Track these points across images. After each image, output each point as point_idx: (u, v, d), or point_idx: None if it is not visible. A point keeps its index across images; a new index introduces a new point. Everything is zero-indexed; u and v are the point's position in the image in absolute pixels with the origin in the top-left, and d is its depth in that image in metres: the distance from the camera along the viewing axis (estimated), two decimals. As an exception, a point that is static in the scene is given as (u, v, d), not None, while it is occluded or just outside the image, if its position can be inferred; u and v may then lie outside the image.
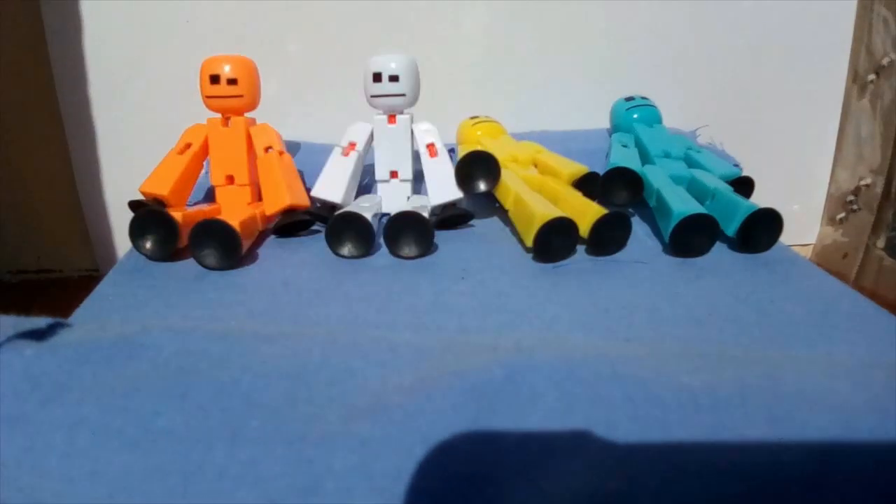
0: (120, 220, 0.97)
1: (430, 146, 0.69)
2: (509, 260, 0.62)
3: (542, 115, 0.98)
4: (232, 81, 0.67)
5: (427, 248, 0.62)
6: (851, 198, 1.13)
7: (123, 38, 0.90)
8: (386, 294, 0.55)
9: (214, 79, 0.67)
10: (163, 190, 0.66)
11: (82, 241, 0.97)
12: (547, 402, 0.27)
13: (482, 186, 0.69)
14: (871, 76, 1.06)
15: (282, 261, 0.61)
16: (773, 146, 1.12)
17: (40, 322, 0.32)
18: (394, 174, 0.71)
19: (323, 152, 0.74)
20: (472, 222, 0.72)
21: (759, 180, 1.08)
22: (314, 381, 0.29)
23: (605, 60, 1.00)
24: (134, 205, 0.68)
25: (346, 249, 0.63)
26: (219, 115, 0.70)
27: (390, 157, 0.71)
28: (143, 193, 0.67)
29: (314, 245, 0.66)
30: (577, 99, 1.00)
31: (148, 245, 0.60)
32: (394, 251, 0.62)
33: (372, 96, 0.69)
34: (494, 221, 0.72)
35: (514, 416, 0.27)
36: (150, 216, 0.60)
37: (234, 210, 0.66)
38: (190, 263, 0.60)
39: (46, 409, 0.26)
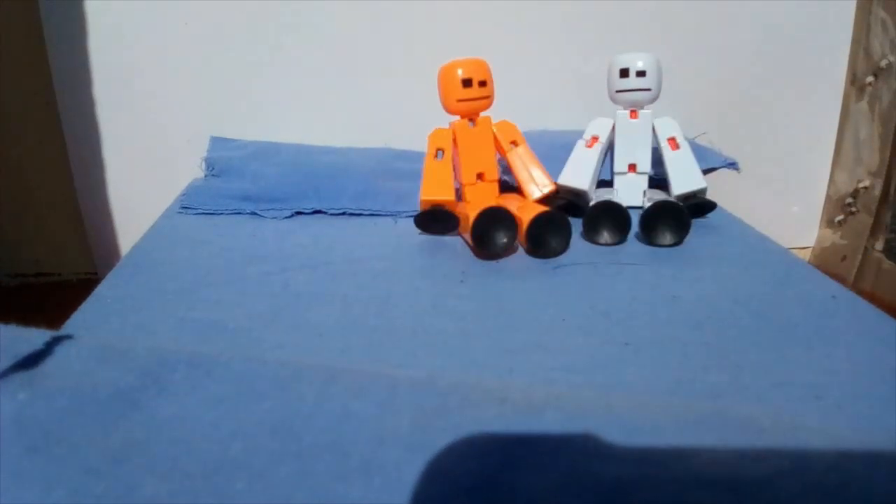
0: (119, 223, 0.97)
1: (671, 140, 0.72)
2: (508, 263, 0.62)
3: (541, 114, 0.99)
4: (482, 84, 0.68)
5: (684, 236, 0.65)
6: (850, 200, 1.13)
7: (122, 40, 0.90)
8: (385, 297, 0.54)
9: (467, 83, 0.68)
10: (448, 195, 0.68)
11: (81, 245, 0.97)
12: (554, 476, 0.25)
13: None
14: (870, 78, 1.06)
15: (281, 263, 0.61)
16: (772, 148, 1.12)
17: (38, 339, 0.31)
18: (632, 167, 0.74)
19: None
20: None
21: (757, 182, 1.09)
22: (305, 432, 0.28)
23: (603, 62, 1.00)
24: (423, 217, 0.69)
25: (604, 237, 0.66)
26: (458, 118, 0.70)
27: (630, 151, 0.74)
28: (428, 202, 0.68)
29: (315, 246, 0.66)
30: (576, 98, 1.00)
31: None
32: (651, 240, 0.65)
33: (617, 91, 0.73)
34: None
35: (518, 488, 0.25)
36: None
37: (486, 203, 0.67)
38: (191, 265, 0.60)
39: (28, 460, 0.25)
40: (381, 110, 0.96)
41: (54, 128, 0.92)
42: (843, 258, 1.14)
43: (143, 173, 0.94)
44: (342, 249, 0.65)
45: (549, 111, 1.00)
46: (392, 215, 0.74)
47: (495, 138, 0.71)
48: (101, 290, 0.55)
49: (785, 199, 1.16)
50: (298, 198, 0.74)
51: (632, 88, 0.72)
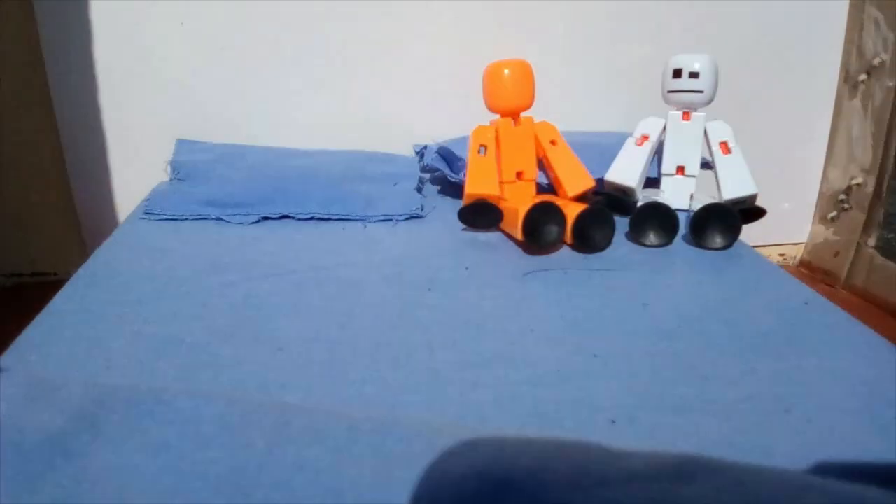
0: (115, 222, 0.96)
1: (723, 144, 0.73)
2: (477, 270, 0.61)
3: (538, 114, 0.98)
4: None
5: (734, 239, 0.65)
6: (843, 196, 1.13)
7: (118, 41, 0.90)
8: (349, 307, 0.54)
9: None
10: (493, 189, 0.69)
11: (77, 244, 0.97)
12: None
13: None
14: (863, 76, 1.06)
15: (245, 272, 0.60)
16: (765, 146, 1.11)
17: None
18: (680, 170, 0.75)
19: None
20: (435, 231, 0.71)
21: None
22: (255, 487, 0.26)
23: (600, 61, 1.00)
24: (467, 211, 0.70)
25: (650, 239, 0.66)
26: (498, 117, 0.71)
27: (679, 153, 0.75)
28: (473, 195, 0.70)
29: (281, 253, 0.65)
30: (573, 99, 1.00)
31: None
32: (701, 243, 0.65)
33: (669, 91, 0.74)
34: (463, 232, 0.71)
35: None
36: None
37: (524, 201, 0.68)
38: (150, 274, 0.59)
39: None
40: (357, 112, 0.96)
41: (50, 128, 0.92)
42: (836, 254, 1.14)
43: (139, 173, 0.93)
44: (309, 257, 0.64)
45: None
46: (361, 220, 0.74)
47: (535, 137, 0.72)
48: (56, 302, 0.54)
49: (778, 195, 1.16)
50: (265, 202, 0.74)
51: (684, 90, 0.72)
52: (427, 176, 0.87)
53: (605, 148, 0.78)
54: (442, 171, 0.80)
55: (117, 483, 0.27)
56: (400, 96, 0.94)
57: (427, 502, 0.25)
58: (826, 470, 0.34)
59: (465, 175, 0.72)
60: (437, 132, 0.87)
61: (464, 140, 0.85)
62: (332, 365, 0.46)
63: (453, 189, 0.81)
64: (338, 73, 0.94)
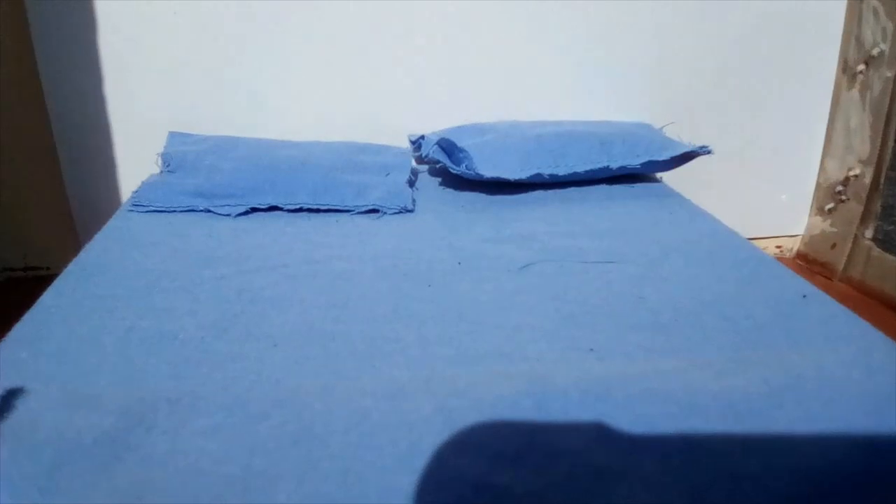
0: (107, 216, 0.96)
1: None
2: (472, 263, 0.62)
3: (532, 108, 0.99)
4: None
5: None
6: (840, 188, 1.14)
7: (110, 35, 0.90)
8: (344, 301, 0.55)
9: None
10: None
11: (69, 239, 0.97)
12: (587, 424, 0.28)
13: None
14: (861, 66, 1.07)
15: (237, 265, 0.61)
16: (763, 136, 1.13)
17: None
18: None
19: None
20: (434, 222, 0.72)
21: (748, 171, 1.10)
22: (319, 449, 0.30)
23: (602, 52, 1.01)
24: None
25: None
26: None
27: None
28: None
29: (273, 246, 0.65)
30: (572, 92, 1.01)
31: None
32: None
33: None
34: (462, 222, 0.72)
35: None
36: None
37: None
38: (142, 268, 0.59)
39: None
40: (351, 104, 0.96)
41: (42, 122, 0.91)
42: (833, 246, 1.15)
43: (131, 166, 0.94)
44: (301, 249, 0.65)
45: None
46: (352, 210, 0.74)
47: None
48: (47, 298, 0.54)
49: (775, 187, 1.17)
50: (254, 193, 0.74)
51: None
52: (423, 168, 0.87)
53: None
54: (443, 162, 0.80)
55: (184, 464, 0.30)
56: (394, 89, 0.94)
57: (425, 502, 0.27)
58: (824, 460, 0.36)
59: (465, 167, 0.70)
60: (430, 124, 0.88)
61: (463, 129, 0.86)
62: (327, 360, 0.46)
63: (454, 181, 0.81)
64: (332, 66, 0.94)
